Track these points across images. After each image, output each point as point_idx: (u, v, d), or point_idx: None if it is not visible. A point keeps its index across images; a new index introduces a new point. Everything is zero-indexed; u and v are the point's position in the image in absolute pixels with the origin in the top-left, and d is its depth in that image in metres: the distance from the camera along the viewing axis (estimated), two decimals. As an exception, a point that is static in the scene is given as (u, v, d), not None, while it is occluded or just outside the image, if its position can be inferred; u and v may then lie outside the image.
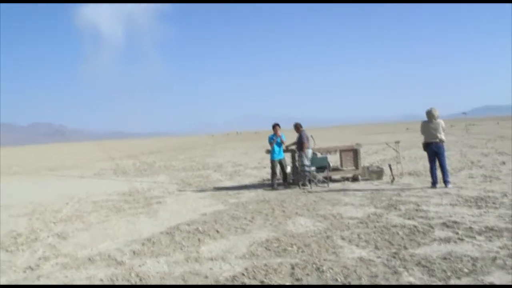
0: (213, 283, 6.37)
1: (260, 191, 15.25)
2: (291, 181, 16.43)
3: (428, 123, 13.94)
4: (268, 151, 17.19)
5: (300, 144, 15.80)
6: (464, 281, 5.88)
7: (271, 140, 16.23)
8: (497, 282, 5.77)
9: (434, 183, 13.67)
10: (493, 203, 10.78)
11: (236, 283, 6.31)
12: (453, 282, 5.86)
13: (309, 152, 15.78)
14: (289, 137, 16.64)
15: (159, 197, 15.24)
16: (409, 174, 17.03)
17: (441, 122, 13.86)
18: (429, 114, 13.96)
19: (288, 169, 16.47)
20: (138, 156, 45.39)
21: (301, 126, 16.27)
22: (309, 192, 14.49)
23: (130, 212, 12.65)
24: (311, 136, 16.55)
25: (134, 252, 8.28)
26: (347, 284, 6.07)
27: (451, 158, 21.53)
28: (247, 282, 6.31)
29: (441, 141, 13.77)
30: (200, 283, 6.39)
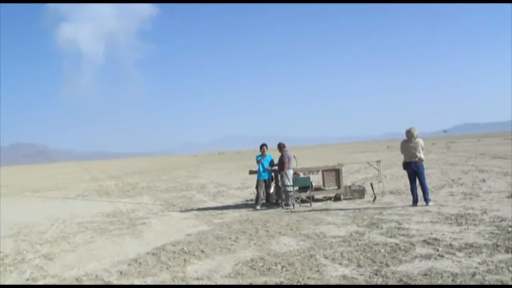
0: (204, 284, 6.48)
1: (243, 211, 15.37)
2: (274, 201, 16.58)
3: (407, 143, 14.16)
4: (251, 172, 17.35)
5: (281, 163, 15.98)
6: (444, 296, 6.04)
7: (257, 160, 16.45)
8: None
9: (415, 201, 13.88)
10: (473, 220, 11.00)
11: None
12: (433, 298, 6.02)
13: (290, 172, 15.95)
14: (275, 157, 16.83)
15: (143, 218, 15.29)
16: (391, 192, 17.28)
17: (420, 141, 14.08)
18: (408, 133, 14.18)
19: (272, 189, 16.63)
20: (121, 177, 45.34)
21: (284, 146, 16.46)
22: (292, 212, 14.62)
23: (115, 233, 12.71)
24: (294, 156, 16.72)
25: (121, 273, 8.36)
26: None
27: (432, 176, 21.81)
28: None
29: (420, 160, 13.96)
30: (191, 284, 6.50)
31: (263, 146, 16.67)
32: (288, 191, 15.67)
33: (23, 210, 20.28)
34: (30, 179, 54.81)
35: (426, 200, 13.77)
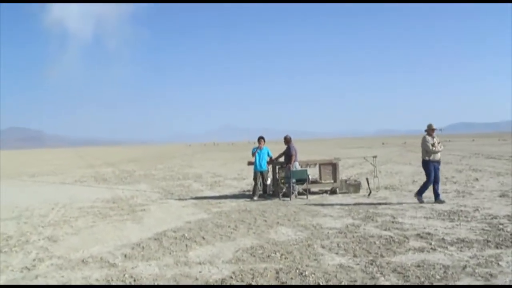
0: (203, 285, 6.78)
1: (241, 201, 15.66)
2: (271, 192, 16.86)
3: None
4: (250, 163, 17.62)
5: (289, 156, 16.29)
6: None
7: (253, 152, 16.73)
8: (466, 288, 6.27)
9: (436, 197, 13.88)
10: (465, 216, 11.34)
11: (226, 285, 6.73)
12: (426, 287, 6.35)
13: (296, 164, 16.29)
14: (275, 150, 17.11)
15: (142, 204, 15.58)
16: (385, 188, 17.62)
17: (422, 138, 14.29)
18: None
19: (269, 181, 16.90)
20: (116, 164, 45.61)
21: (290, 139, 16.75)
22: (288, 203, 14.92)
23: (116, 219, 12.99)
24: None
25: (125, 256, 8.65)
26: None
27: (425, 173, 22.17)
28: (236, 284, 6.74)
29: (423, 157, 14.23)
30: (191, 284, 6.81)
31: (260, 139, 16.96)
32: (290, 183, 15.94)
33: (22, 193, 20.50)
34: (25, 164, 54.98)
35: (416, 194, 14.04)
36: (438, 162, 14.17)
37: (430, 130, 14.16)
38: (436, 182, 13.91)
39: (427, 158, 14.08)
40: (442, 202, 13.59)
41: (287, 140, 16.78)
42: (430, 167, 13.95)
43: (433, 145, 13.92)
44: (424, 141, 14.15)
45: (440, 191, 13.94)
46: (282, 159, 16.97)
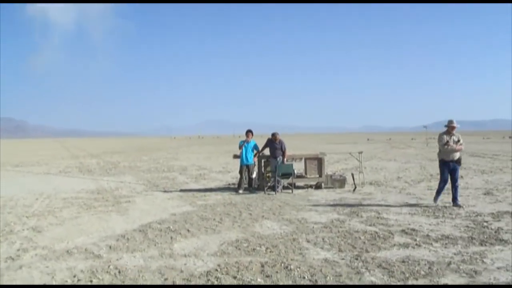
0: (188, 277, 6.75)
1: (226, 195, 15.63)
2: (256, 186, 16.84)
3: None
4: (235, 156, 17.58)
5: (283, 151, 16.36)
6: (421, 282, 6.37)
7: (240, 145, 16.69)
8: (451, 283, 6.28)
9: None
10: (450, 213, 11.42)
11: (210, 278, 6.70)
12: (410, 282, 6.35)
13: (280, 159, 16.31)
14: (261, 144, 17.08)
15: (127, 196, 15.50)
16: (370, 183, 17.66)
17: (438, 136, 13.42)
18: None
19: (254, 175, 16.88)
20: (101, 156, 45.41)
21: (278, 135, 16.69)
22: (274, 197, 14.91)
23: (101, 210, 12.90)
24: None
25: (110, 247, 8.60)
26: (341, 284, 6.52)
27: (411, 170, 22.28)
28: (221, 277, 6.71)
29: (438, 156, 13.48)
30: (176, 277, 6.76)
31: (248, 132, 16.91)
32: (278, 177, 15.95)
33: (6, 183, 20.27)
34: (9, 154, 54.55)
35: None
36: (454, 161, 13.11)
37: (449, 128, 13.20)
38: (452, 184, 13.05)
39: (439, 157, 13.33)
40: (459, 206, 12.56)
41: (275, 137, 16.61)
42: (442, 167, 13.18)
43: (446, 143, 12.99)
44: (438, 139, 13.29)
45: (457, 195, 12.97)
46: (266, 152, 16.92)
